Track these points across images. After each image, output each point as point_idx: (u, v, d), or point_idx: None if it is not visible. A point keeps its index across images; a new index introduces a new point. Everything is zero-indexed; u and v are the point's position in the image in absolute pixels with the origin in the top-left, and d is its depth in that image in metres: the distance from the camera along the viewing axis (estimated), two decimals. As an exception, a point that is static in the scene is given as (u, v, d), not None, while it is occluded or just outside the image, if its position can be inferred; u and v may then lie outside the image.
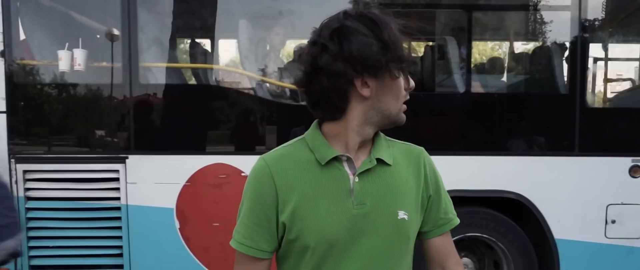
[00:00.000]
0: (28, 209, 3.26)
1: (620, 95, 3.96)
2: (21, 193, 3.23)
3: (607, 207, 3.26)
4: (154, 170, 3.23)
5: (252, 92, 3.37)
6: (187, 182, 3.23)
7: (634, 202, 3.24)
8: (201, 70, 3.49)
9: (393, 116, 1.13)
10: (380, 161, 1.14)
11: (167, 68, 3.38)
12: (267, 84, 3.39)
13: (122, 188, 3.23)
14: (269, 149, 1.41)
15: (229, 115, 3.31)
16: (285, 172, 1.11)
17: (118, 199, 3.25)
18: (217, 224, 3.25)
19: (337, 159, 1.12)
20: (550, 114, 3.34)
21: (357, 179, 1.12)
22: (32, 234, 3.27)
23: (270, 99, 3.37)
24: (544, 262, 3.35)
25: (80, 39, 3.17)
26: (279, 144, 1.21)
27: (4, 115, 3.19)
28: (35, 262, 3.30)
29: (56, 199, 3.25)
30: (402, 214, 1.13)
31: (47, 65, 3.30)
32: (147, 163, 3.23)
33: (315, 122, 1.18)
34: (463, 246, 3.49)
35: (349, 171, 1.13)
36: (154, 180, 3.24)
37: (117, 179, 3.24)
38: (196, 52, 3.59)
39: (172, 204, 3.25)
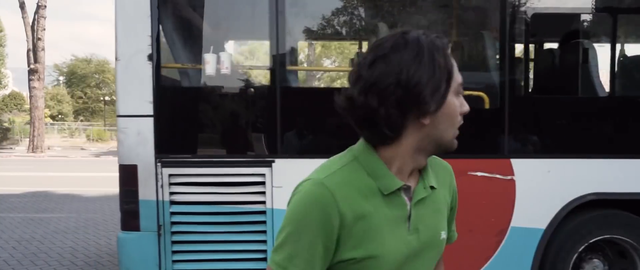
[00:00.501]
0: (172, 213, 3.25)
1: None
2: (166, 197, 3.23)
3: None
4: (300, 174, 3.22)
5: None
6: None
7: None
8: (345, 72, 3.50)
9: (446, 143, 1.07)
10: (432, 187, 1.13)
11: (311, 72, 3.38)
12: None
13: (268, 192, 3.23)
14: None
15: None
16: (350, 201, 1.02)
17: (263, 202, 3.24)
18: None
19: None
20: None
21: (412, 206, 1.09)
22: (176, 238, 3.26)
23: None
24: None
25: (226, 43, 3.17)
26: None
27: (151, 119, 3.18)
28: (178, 266, 3.28)
29: (201, 203, 3.24)
30: (443, 234, 1.14)
31: (193, 68, 3.29)
32: (294, 167, 3.23)
33: (365, 143, 1.08)
34: (593, 248, 3.51)
35: (406, 199, 1.09)
36: (300, 184, 3.23)
37: (262, 183, 3.24)
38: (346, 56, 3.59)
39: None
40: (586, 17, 3.72)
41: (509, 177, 3.24)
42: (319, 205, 1.01)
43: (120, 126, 3.22)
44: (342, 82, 3.37)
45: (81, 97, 39.97)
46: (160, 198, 3.22)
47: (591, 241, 3.37)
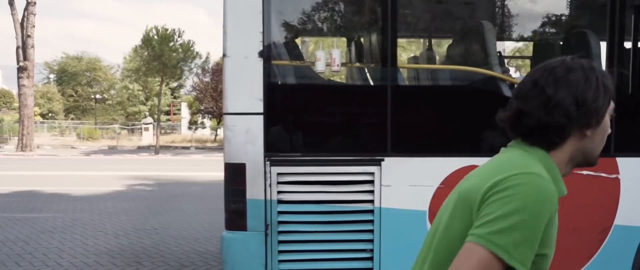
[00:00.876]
0: (280, 212, 3.20)
1: None
2: (274, 196, 3.18)
3: None
4: (409, 173, 3.22)
5: (498, 91, 3.39)
6: (441, 184, 3.24)
7: None
8: (453, 71, 3.50)
9: (594, 157, 1.22)
10: None
11: (421, 70, 3.38)
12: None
13: (376, 191, 3.21)
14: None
15: (479, 116, 3.33)
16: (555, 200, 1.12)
17: (371, 201, 3.23)
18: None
19: None
20: None
21: None
22: (282, 238, 3.22)
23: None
24: None
25: (336, 40, 3.14)
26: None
27: (261, 117, 3.14)
28: (284, 266, 3.24)
29: (309, 202, 3.21)
30: None
31: (303, 65, 3.25)
32: (403, 165, 3.22)
33: (538, 147, 1.18)
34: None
35: None
36: (409, 183, 3.23)
37: (371, 182, 3.22)
38: (454, 54, 3.59)
39: (425, 206, 3.25)
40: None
41: (614, 176, 3.29)
42: (551, 201, 1.07)
43: (228, 124, 3.16)
44: (449, 80, 3.35)
45: (72, 95, 39.18)
46: (268, 197, 3.18)
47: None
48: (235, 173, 3.18)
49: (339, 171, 3.21)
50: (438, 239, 1.19)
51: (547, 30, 3.77)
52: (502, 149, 1.26)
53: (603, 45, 3.34)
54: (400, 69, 3.21)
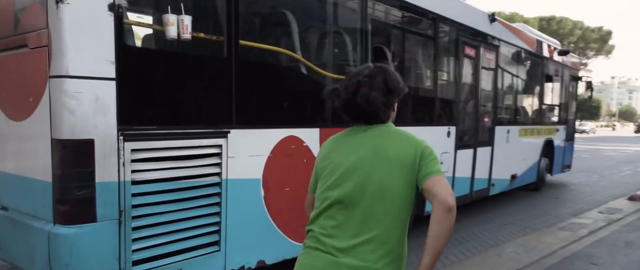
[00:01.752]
0: (134, 195, 2.77)
1: None
2: (128, 177, 2.73)
3: None
4: (248, 145, 3.39)
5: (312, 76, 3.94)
6: (270, 153, 3.56)
7: None
8: (283, 54, 3.76)
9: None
10: None
11: (263, 48, 3.54)
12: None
13: (224, 163, 3.23)
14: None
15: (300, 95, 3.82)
16: None
17: (219, 174, 3.22)
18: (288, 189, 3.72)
19: None
20: None
21: None
22: (136, 224, 2.79)
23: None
24: None
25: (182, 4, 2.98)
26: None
27: (114, 83, 2.63)
28: (137, 256, 2.81)
29: (162, 181, 2.91)
30: None
31: (158, 29, 2.86)
32: (244, 137, 3.35)
33: (388, 123, 1.78)
34: None
35: None
36: (248, 154, 3.40)
37: (219, 155, 3.21)
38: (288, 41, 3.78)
39: (259, 174, 3.50)
40: None
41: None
42: None
43: (69, 90, 2.49)
44: (281, 62, 3.54)
45: None
46: (121, 178, 2.69)
47: None
48: (79, 152, 2.54)
49: (191, 145, 3.05)
50: (374, 192, 1.64)
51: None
52: (362, 127, 1.75)
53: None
54: (243, 45, 3.30)
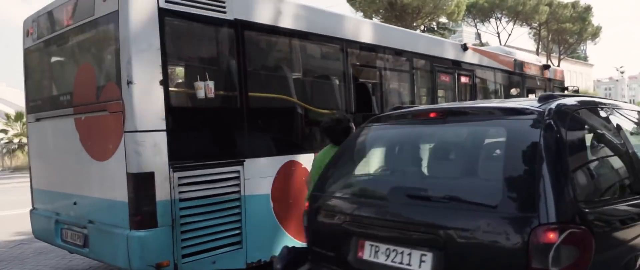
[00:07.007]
0: (181, 209, 4.01)
1: None
2: (176, 196, 3.98)
3: None
4: (260, 169, 4.62)
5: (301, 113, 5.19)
6: (276, 175, 4.79)
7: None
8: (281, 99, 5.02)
9: None
10: None
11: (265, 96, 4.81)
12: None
13: (241, 183, 4.46)
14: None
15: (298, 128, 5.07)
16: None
17: (239, 192, 4.44)
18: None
19: None
20: None
21: None
22: (184, 229, 4.03)
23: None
24: None
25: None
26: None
27: (165, 133, 3.90)
28: (185, 251, 4.04)
29: (202, 198, 4.15)
30: None
31: (189, 92, 4.17)
32: (256, 164, 4.59)
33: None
34: None
35: None
36: (260, 176, 4.63)
37: (238, 177, 4.45)
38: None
39: (268, 191, 4.72)
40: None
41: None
42: None
43: (137, 140, 3.77)
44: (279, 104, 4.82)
45: None
46: (172, 197, 3.95)
47: None
48: (144, 181, 3.81)
49: (218, 172, 4.29)
50: None
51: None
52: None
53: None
54: (251, 96, 4.55)
